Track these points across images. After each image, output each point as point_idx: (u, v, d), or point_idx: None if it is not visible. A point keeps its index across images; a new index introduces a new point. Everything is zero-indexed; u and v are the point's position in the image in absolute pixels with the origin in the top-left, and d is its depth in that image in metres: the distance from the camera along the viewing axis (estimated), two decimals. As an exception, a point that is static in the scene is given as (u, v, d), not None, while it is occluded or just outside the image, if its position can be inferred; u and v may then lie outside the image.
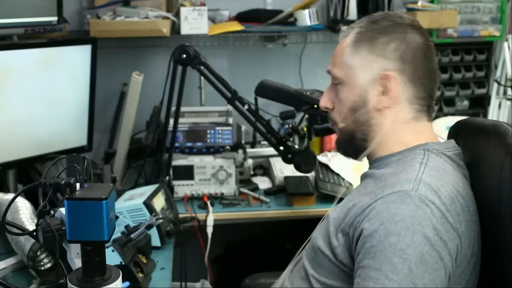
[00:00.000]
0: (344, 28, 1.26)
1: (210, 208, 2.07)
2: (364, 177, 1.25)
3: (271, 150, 2.26)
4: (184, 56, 2.03)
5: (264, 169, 2.44)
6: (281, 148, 2.07)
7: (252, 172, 2.37)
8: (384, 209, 1.06)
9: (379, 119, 1.20)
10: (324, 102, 1.28)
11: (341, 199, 1.31)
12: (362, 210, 1.10)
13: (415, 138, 1.19)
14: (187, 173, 2.16)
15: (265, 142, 2.23)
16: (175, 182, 2.16)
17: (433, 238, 1.03)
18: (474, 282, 1.14)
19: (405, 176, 1.10)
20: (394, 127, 1.20)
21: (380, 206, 1.07)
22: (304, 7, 2.48)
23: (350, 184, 2.18)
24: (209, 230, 2.04)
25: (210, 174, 2.16)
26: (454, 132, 1.31)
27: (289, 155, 2.05)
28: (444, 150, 1.18)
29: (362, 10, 2.49)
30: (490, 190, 1.14)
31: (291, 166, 2.06)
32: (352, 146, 1.26)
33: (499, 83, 2.64)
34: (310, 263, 1.23)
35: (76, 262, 0.97)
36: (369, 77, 1.18)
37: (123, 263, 1.50)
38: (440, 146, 1.19)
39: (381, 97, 1.18)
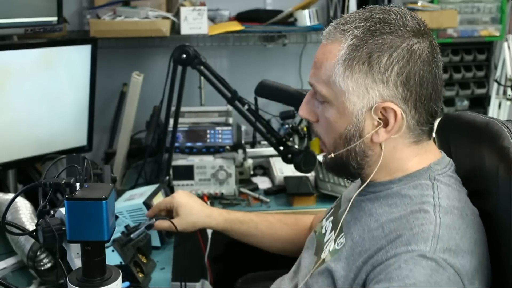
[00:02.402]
0: (330, 28, 1.05)
1: (210, 208, 2.07)
2: (359, 201, 1.10)
3: (271, 150, 2.26)
4: (184, 56, 2.03)
5: (264, 169, 2.44)
6: (281, 148, 2.07)
7: (252, 172, 2.37)
8: (394, 270, 0.93)
9: (376, 149, 1.05)
10: (305, 113, 1.10)
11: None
12: (372, 267, 0.97)
13: (416, 161, 1.06)
14: (187, 173, 2.16)
15: (265, 142, 2.23)
16: (175, 182, 2.16)
17: None
18: None
19: (420, 230, 0.95)
20: (393, 154, 1.05)
21: (391, 266, 0.93)
22: (304, 7, 2.48)
23: (350, 184, 2.18)
24: (209, 230, 2.03)
25: (210, 174, 2.16)
26: (444, 129, 1.21)
27: (289, 155, 2.04)
28: (447, 171, 1.06)
29: (362, 10, 2.49)
30: (488, 196, 1.06)
31: (291, 166, 2.06)
32: (345, 172, 1.10)
33: (499, 83, 2.64)
34: None
35: (76, 262, 0.97)
36: (365, 105, 1.01)
37: (123, 263, 1.49)
38: (441, 166, 1.07)
39: (380, 129, 1.02)
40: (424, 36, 1.00)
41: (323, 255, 1.12)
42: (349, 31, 1.01)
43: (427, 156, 1.07)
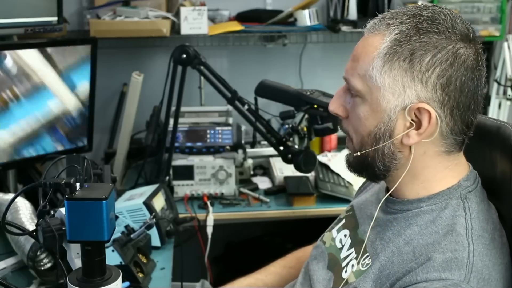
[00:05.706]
0: (375, 21, 0.99)
1: (210, 208, 2.07)
2: (385, 220, 1.06)
3: (271, 150, 2.26)
4: (184, 56, 2.03)
5: (264, 169, 2.44)
6: (281, 148, 2.07)
7: (252, 172, 2.37)
8: None
9: (406, 152, 1.00)
10: (335, 107, 1.06)
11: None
12: None
13: (445, 175, 1.02)
14: (187, 173, 2.16)
15: (265, 142, 2.23)
16: (175, 182, 2.16)
17: None
18: None
19: (453, 256, 0.92)
20: (423, 161, 1.00)
21: None
22: (304, 7, 2.48)
23: (350, 184, 2.18)
24: (209, 230, 2.04)
25: (210, 174, 2.16)
26: None
27: (289, 155, 2.04)
28: (476, 187, 1.02)
29: (362, 10, 2.49)
30: (501, 202, 1.04)
31: (291, 166, 2.06)
32: (368, 172, 1.06)
33: (499, 83, 2.64)
34: None
35: (76, 262, 0.97)
36: (399, 103, 0.96)
37: (123, 263, 1.50)
38: (470, 182, 1.02)
39: (411, 131, 0.97)
40: (472, 43, 0.96)
41: (344, 275, 1.09)
42: (394, 25, 0.96)
43: (457, 170, 1.02)
